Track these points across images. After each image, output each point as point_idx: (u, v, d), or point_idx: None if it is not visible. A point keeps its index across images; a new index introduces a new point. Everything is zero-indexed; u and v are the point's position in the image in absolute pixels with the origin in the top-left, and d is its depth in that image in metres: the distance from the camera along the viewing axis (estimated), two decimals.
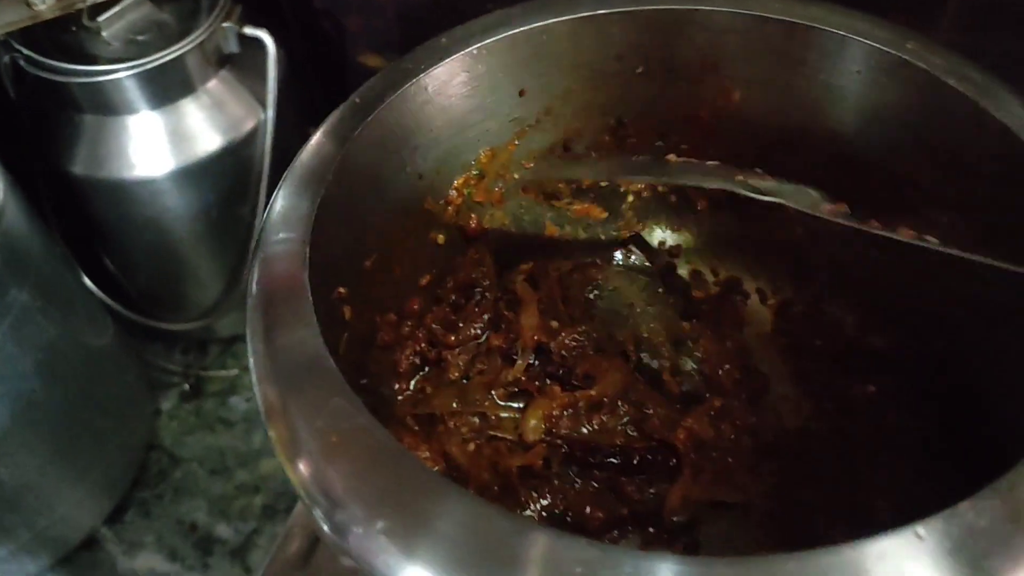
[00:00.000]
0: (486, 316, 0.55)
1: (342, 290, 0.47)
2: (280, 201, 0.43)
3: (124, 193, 0.69)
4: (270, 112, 0.70)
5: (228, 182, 0.72)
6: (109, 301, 0.77)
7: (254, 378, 0.38)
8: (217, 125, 0.69)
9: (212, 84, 0.69)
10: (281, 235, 0.42)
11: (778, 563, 0.28)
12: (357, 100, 0.46)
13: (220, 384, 0.83)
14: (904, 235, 0.45)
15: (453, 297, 0.56)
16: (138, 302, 0.80)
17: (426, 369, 0.55)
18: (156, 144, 0.68)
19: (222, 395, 0.82)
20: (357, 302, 0.48)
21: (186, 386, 0.83)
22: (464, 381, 0.54)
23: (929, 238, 0.44)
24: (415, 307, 0.55)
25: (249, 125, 0.71)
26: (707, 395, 0.54)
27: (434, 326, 0.54)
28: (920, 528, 0.29)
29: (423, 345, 0.54)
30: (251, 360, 0.39)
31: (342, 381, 0.36)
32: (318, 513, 0.34)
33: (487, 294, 0.56)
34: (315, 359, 0.37)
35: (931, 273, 0.47)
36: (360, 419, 0.34)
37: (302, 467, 0.35)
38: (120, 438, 0.75)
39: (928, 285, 0.48)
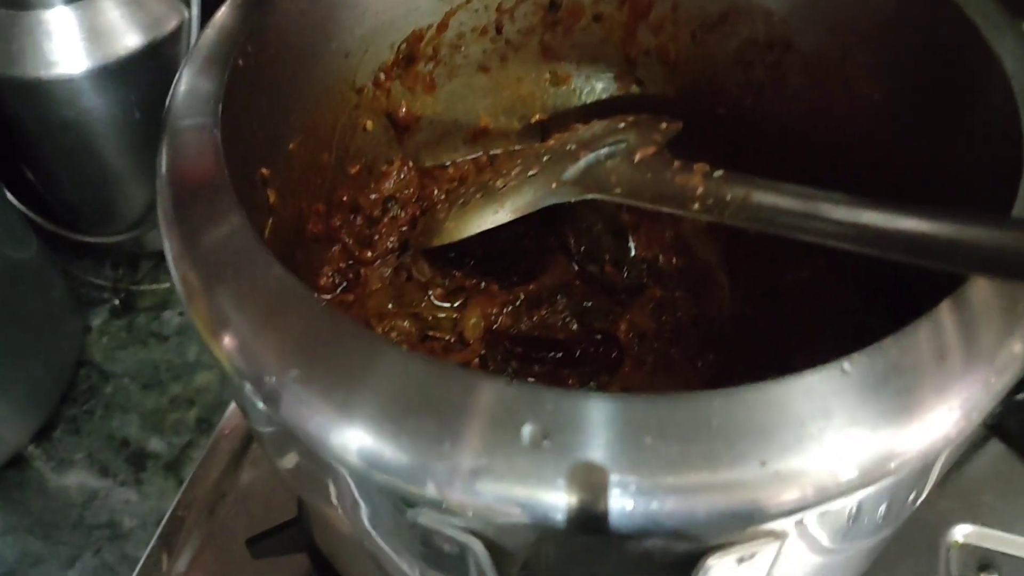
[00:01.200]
0: (403, 228, 0.54)
1: (265, 171, 0.44)
2: (185, 81, 0.39)
3: (40, 92, 0.66)
4: (194, 10, 0.68)
5: (152, 83, 0.69)
6: (30, 214, 0.74)
7: (169, 259, 0.35)
8: (137, 22, 0.67)
9: None
10: (187, 120, 0.38)
11: (704, 399, 0.28)
12: None
13: (152, 299, 0.81)
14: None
15: (372, 212, 0.54)
16: (62, 215, 0.77)
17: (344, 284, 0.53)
18: (72, 41, 0.65)
19: (155, 309, 0.80)
20: (283, 187, 0.46)
21: (116, 301, 0.80)
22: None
23: None
24: (344, 198, 0.53)
25: (171, 23, 0.68)
26: (648, 285, 0.53)
27: (348, 240, 0.52)
28: (846, 363, 0.28)
29: (342, 264, 0.52)
30: (165, 244, 0.36)
31: (267, 253, 0.34)
32: (247, 386, 0.31)
33: (406, 208, 0.54)
34: (238, 235, 0.34)
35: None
36: (291, 287, 0.32)
37: (228, 340, 0.33)
38: (46, 355, 0.73)
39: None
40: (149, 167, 0.73)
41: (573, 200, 0.46)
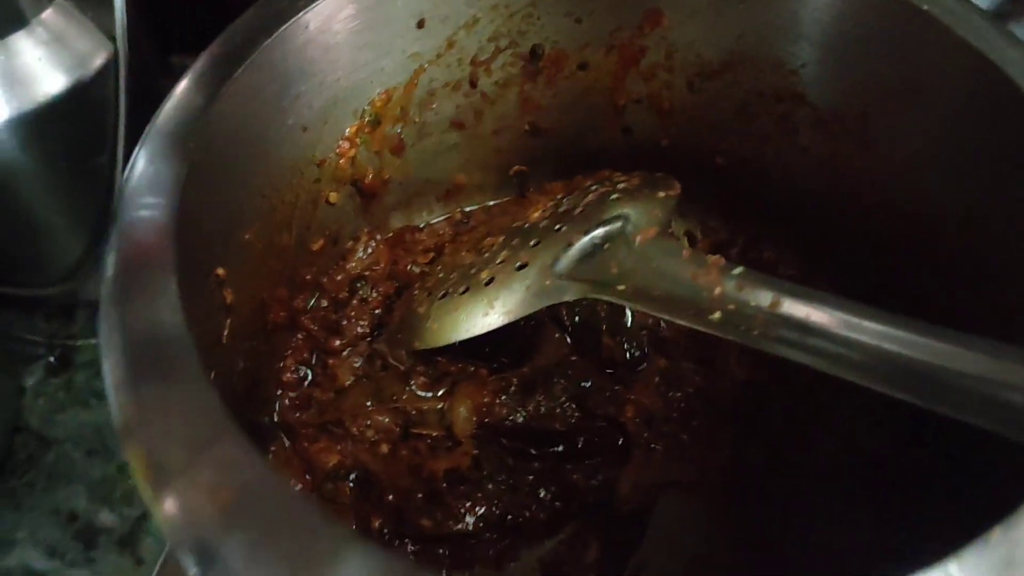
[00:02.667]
0: (377, 311, 0.49)
1: (220, 271, 0.39)
2: (141, 163, 0.36)
3: None
4: (121, 45, 0.61)
5: (78, 128, 0.62)
6: None
7: (108, 385, 0.32)
8: (59, 63, 0.59)
9: (48, 15, 0.59)
10: (143, 205, 0.34)
11: None
12: (218, 49, 0.38)
13: (91, 353, 0.74)
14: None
15: (338, 294, 0.49)
16: None
17: (309, 377, 0.48)
18: None
19: (94, 365, 0.74)
20: (239, 281, 0.41)
21: (51, 358, 0.73)
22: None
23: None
24: (307, 276, 0.48)
25: (98, 61, 0.61)
26: (651, 356, 0.48)
27: (313, 327, 0.47)
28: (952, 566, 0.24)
29: (305, 355, 0.47)
30: (104, 365, 0.32)
31: (221, 409, 0.29)
32: (191, 561, 0.27)
33: (377, 287, 0.49)
34: (192, 375, 0.30)
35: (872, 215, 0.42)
36: (248, 468, 0.27)
37: (169, 506, 0.28)
38: None
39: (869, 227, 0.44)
40: (81, 216, 0.67)
41: (571, 300, 0.41)
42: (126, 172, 0.36)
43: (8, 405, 0.71)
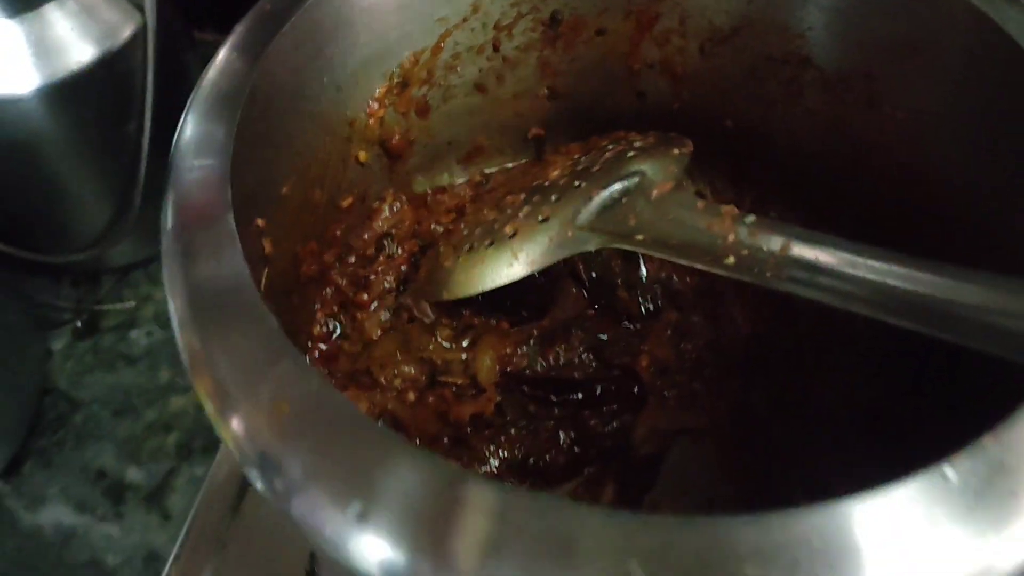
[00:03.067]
0: (403, 267, 0.51)
1: (260, 222, 0.41)
2: (190, 126, 0.38)
3: None
4: (150, 17, 0.62)
5: (106, 98, 0.64)
6: None
7: (175, 325, 0.34)
8: (89, 33, 0.61)
9: None
10: (195, 164, 0.37)
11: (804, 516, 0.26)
12: (267, 7, 0.40)
13: (117, 318, 0.76)
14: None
15: (366, 251, 0.51)
16: (14, 234, 0.72)
17: (338, 331, 0.50)
18: (18, 57, 0.59)
19: (120, 329, 0.76)
20: (276, 233, 0.43)
21: (79, 323, 0.76)
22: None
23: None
24: (337, 232, 0.50)
25: (126, 32, 0.63)
26: (664, 309, 0.51)
27: (341, 282, 0.49)
28: (947, 468, 0.27)
29: (335, 308, 0.49)
30: (171, 307, 0.34)
31: (280, 334, 0.31)
32: (255, 475, 0.30)
33: (402, 245, 0.51)
34: (251, 308, 0.32)
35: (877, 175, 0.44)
36: (309, 383, 0.30)
37: (236, 424, 0.30)
38: (9, 385, 0.69)
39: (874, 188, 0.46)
40: (108, 184, 0.69)
41: (593, 250, 0.43)
42: (176, 132, 0.38)
43: (37, 368, 0.73)
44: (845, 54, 0.46)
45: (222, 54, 0.40)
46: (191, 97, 0.39)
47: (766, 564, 0.24)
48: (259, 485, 0.29)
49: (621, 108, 0.55)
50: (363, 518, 0.27)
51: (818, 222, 0.51)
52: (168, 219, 0.36)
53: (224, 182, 0.36)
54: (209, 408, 0.31)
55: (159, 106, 0.65)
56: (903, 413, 0.46)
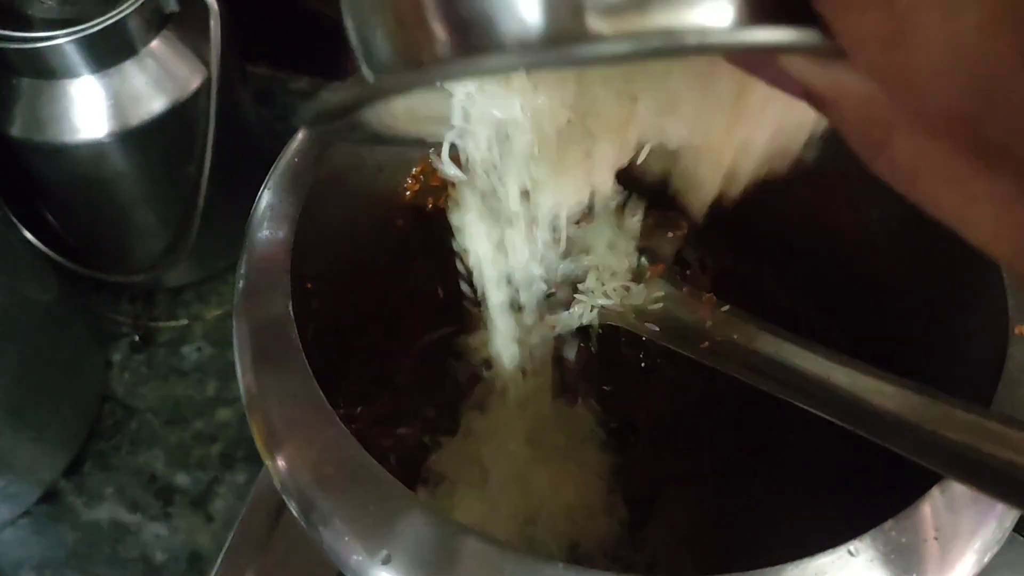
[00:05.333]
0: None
1: (309, 285, 0.48)
2: (266, 199, 0.46)
3: (65, 156, 0.68)
4: (215, 70, 0.69)
5: (173, 141, 0.71)
6: (53, 254, 0.77)
7: (237, 364, 0.41)
8: (161, 87, 0.68)
9: (155, 45, 0.68)
10: (267, 231, 0.45)
11: None
12: None
13: (170, 334, 0.84)
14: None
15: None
16: (82, 255, 0.80)
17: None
18: (97, 108, 0.67)
19: (173, 344, 0.83)
20: (323, 292, 0.50)
21: (136, 337, 0.83)
22: None
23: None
24: (372, 285, 0.57)
25: (194, 84, 0.70)
26: (661, 367, 0.57)
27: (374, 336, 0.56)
28: (852, 546, 0.33)
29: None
30: (235, 348, 0.42)
31: (327, 406, 0.38)
32: (293, 506, 0.37)
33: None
34: (299, 365, 0.40)
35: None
36: (346, 450, 0.37)
37: (283, 465, 0.38)
38: (73, 391, 0.76)
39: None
40: (168, 215, 0.76)
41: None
42: (254, 205, 0.46)
43: (97, 377, 0.80)
44: (825, 150, 0.52)
45: (298, 139, 0.48)
46: (270, 173, 0.47)
47: None
48: (295, 512, 0.37)
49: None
50: (387, 561, 0.34)
51: (797, 298, 0.57)
52: (240, 278, 0.44)
53: (288, 249, 0.44)
54: (259, 443, 0.39)
55: (217, 147, 0.72)
56: (865, 473, 0.52)
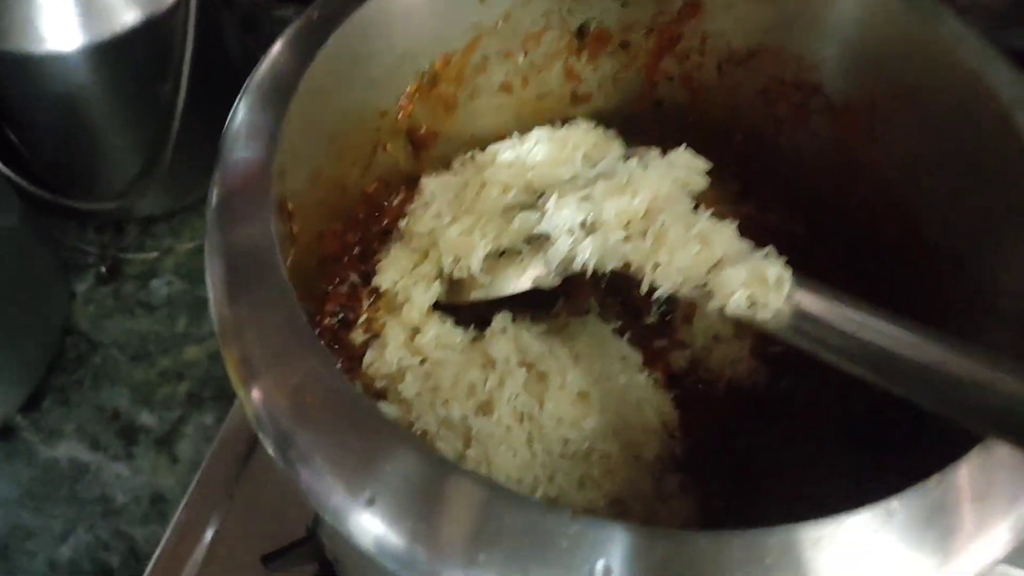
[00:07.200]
0: None
1: (291, 206, 0.45)
2: (241, 113, 0.42)
3: (31, 68, 0.64)
4: None
5: (147, 59, 0.67)
6: (15, 177, 0.72)
7: (210, 291, 0.37)
8: None
9: None
10: (243, 148, 0.41)
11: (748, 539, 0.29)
12: (316, 13, 0.43)
13: (139, 267, 0.80)
14: None
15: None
16: (47, 179, 0.75)
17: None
18: (67, 16, 0.62)
19: (142, 278, 0.79)
20: (304, 214, 0.46)
21: (102, 268, 0.79)
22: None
23: None
24: (360, 215, 0.53)
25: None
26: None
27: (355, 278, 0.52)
28: (895, 502, 0.30)
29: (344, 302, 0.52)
30: (207, 274, 0.38)
31: (308, 328, 0.35)
32: (268, 442, 0.33)
33: None
34: (280, 288, 0.36)
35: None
36: (330, 380, 0.33)
37: (255, 394, 0.34)
38: (34, 323, 0.72)
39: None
40: (140, 138, 0.72)
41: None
42: (229, 117, 0.42)
43: (60, 308, 0.76)
44: (852, 88, 0.49)
45: (275, 51, 0.44)
46: (244, 85, 0.43)
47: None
48: (270, 451, 0.33)
49: (639, 113, 0.57)
50: (371, 503, 0.30)
51: (814, 233, 0.54)
52: (214, 196, 0.40)
53: (266, 167, 0.40)
54: (232, 373, 0.35)
55: (195, 67, 0.68)
56: (873, 423, 0.49)
